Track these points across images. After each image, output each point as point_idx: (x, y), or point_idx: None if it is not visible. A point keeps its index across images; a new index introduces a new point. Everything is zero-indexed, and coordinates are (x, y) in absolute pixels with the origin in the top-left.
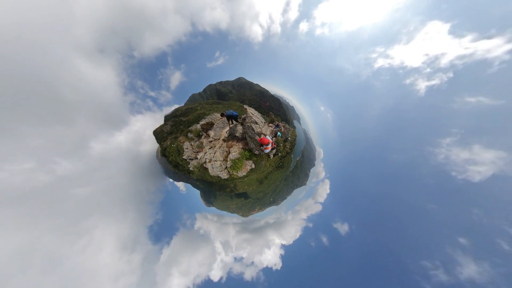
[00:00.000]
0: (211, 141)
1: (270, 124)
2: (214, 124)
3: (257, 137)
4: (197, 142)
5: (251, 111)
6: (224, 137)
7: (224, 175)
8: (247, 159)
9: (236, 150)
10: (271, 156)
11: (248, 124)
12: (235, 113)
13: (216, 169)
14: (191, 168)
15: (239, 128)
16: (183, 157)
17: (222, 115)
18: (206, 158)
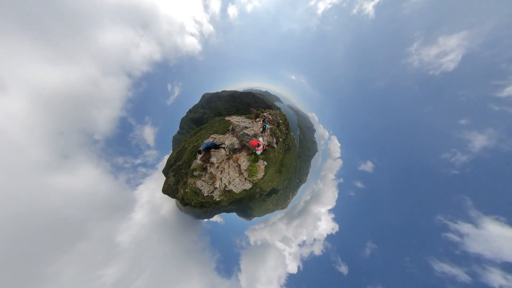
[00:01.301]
0: (218, 166)
1: (257, 119)
2: (210, 151)
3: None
4: (206, 175)
5: (234, 120)
6: (227, 155)
7: (248, 186)
8: (256, 161)
9: (243, 160)
10: (275, 146)
11: (241, 132)
12: (209, 143)
13: (239, 186)
14: (218, 199)
15: (234, 140)
16: (204, 194)
17: (199, 152)
18: (225, 183)
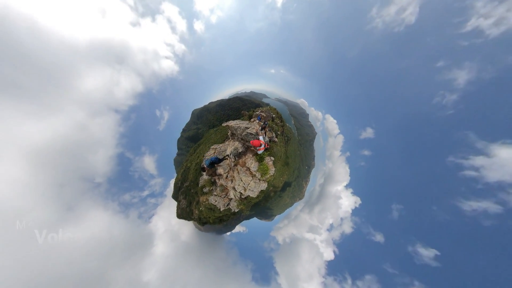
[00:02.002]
0: (227, 176)
1: (252, 120)
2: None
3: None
4: (217, 189)
5: (232, 123)
6: (233, 162)
7: (264, 186)
8: (263, 159)
9: (251, 162)
10: (276, 139)
11: (244, 133)
12: (213, 158)
13: (256, 189)
14: (236, 210)
15: (236, 144)
16: (221, 209)
17: (203, 169)
18: (239, 191)
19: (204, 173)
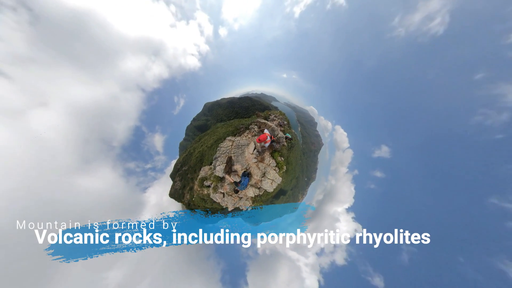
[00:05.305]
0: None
1: (265, 121)
2: (231, 158)
3: (269, 137)
4: (225, 185)
5: (268, 123)
6: (255, 158)
7: (280, 180)
8: (276, 158)
9: (269, 159)
10: (285, 143)
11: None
12: (246, 181)
13: (276, 182)
14: (250, 209)
15: (258, 145)
16: (229, 209)
17: (236, 191)
18: (265, 188)
19: (226, 177)
